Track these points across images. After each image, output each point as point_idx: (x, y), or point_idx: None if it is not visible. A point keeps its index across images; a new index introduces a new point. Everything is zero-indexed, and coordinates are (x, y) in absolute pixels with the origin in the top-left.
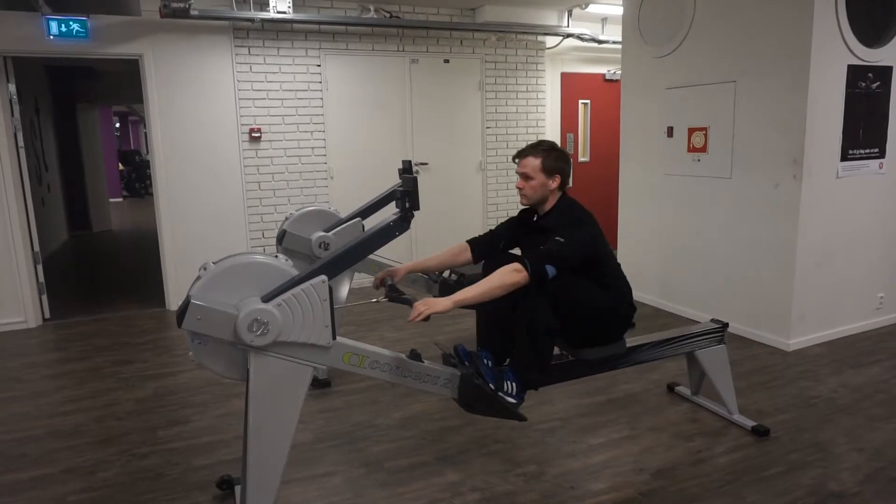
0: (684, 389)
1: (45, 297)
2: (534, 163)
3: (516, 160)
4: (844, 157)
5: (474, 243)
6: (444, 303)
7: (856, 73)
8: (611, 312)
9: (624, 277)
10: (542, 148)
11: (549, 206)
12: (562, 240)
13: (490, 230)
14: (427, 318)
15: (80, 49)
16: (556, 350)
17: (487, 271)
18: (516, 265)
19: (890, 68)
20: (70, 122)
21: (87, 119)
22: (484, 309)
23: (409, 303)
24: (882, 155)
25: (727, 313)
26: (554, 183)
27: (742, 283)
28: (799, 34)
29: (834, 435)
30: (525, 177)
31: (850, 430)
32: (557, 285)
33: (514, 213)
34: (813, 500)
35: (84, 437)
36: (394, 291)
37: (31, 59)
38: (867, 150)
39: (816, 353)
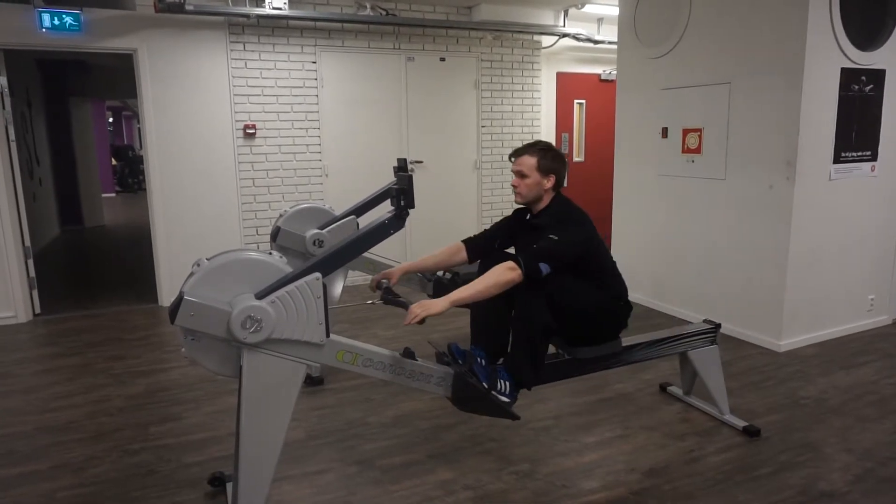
0: (676, 389)
1: (35, 292)
2: (529, 161)
3: (512, 158)
4: (837, 160)
5: (469, 243)
6: (439, 304)
7: (849, 76)
8: (606, 311)
9: (619, 276)
10: (538, 147)
11: (543, 205)
12: (555, 237)
13: (485, 230)
14: (422, 321)
15: (72, 43)
16: (552, 349)
17: (483, 270)
18: (510, 263)
19: (883, 71)
20: (62, 116)
21: (80, 113)
22: (478, 308)
23: (405, 305)
24: (874, 158)
25: (720, 314)
26: (549, 182)
27: (735, 284)
28: (793, 37)
29: (824, 435)
30: (520, 175)
31: (840, 430)
32: (553, 284)
33: (509, 212)
34: (803, 499)
35: (74, 433)
36: (389, 294)
37: (22, 51)
38: (859, 153)
39: (808, 354)
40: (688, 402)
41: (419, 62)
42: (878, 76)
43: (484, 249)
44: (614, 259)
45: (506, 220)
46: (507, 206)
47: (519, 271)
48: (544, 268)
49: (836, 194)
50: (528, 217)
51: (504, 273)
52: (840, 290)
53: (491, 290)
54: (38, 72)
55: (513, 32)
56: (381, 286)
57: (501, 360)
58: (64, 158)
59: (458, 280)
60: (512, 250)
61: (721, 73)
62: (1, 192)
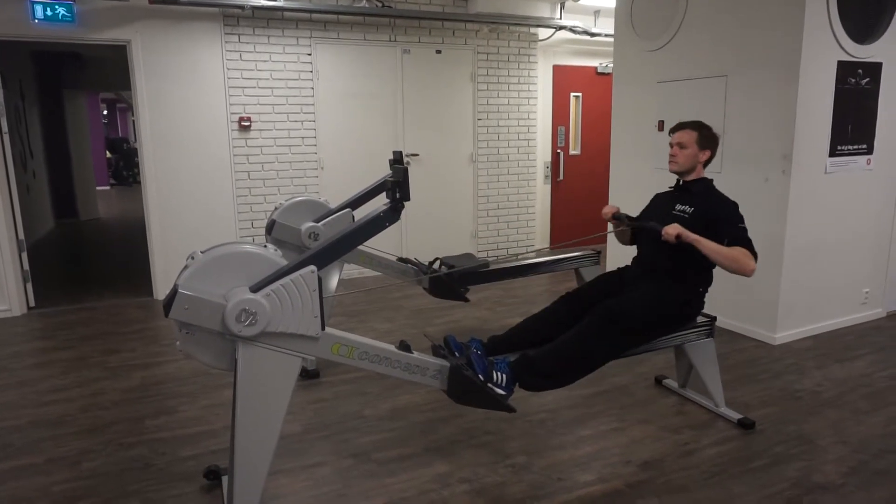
0: (672, 382)
1: (30, 286)
2: (691, 135)
3: (672, 132)
4: (833, 153)
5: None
6: (690, 235)
7: (845, 69)
8: (685, 300)
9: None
10: (699, 124)
11: (694, 176)
12: (744, 226)
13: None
14: (677, 239)
15: (66, 34)
16: None
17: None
18: (750, 255)
19: (879, 65)
20: (56, 108)
21: (74, 106)
22: (546, 314)
23: (657, 228)
24: (870, 151)
25: (715, 307)
26: (704, 156)
27: (730, 277)
28: (790, 30)
29: (819, 428)
30: (681, 145)
31: (834, 422)
32: (626, 308)
33: (506, 205)
34: (798, 491)
35: (69, 426)
36: (631, 219)
37: (15, 43)
38: (855, 147)
39: (802, 347)
40: (683, 394)
41: (415, 54)
42: (874, 69)
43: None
44: (608, 254)
45: (647, 207)
46: (503, 198)
47: (755, 265)
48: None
49: (832, 188)
50: (680, 183)
51: (748, 262)
52: (835, 283)
53: (724, 259)
54: (32, 64)
55: (509, 25)
56: (621, 216)
57: (517, 356)
58: (58, 151)
59: (455, 274)
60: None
61: (717, 67)
62: None
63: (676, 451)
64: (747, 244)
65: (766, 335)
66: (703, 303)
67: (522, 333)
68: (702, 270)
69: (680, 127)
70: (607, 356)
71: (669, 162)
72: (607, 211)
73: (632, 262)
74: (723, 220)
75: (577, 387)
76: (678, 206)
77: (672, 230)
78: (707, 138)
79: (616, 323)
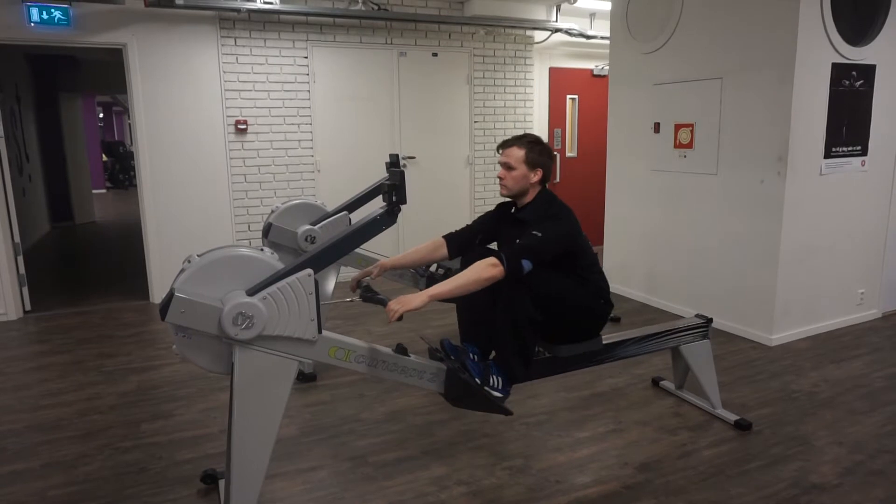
0: (669, 384)
1: (25, 290)
2: (517, 154)
3: (500, 150)
4: (828, 155)
5: (450, 238)
6: (417, 300)
7: (840, 72)
8: (588, 308)
9: (602, 273)
10: (526, 140)
11: (528, 199)
12: (539, 234)
13: (467, 225)
14: (401, 318)
15: (62, 37)
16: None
17: (465, 266)
18: (492, 260)
19: (873, 67)
20: (52, 111)
21: (70, 109)
22: (463, 304)
23: (384, 303)
24: (864, 153)
25: (711, 308)
26: (535, 176)
27: (726, 278)
28: (784, 32)
29: (815, 428)
30: (507, 167)
31: (831, 423)
32: (535, 280)
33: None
34: (794, 492)
35: (65, 430)
36: (368, 292)
37: (11, 46)
38: (850, 148)
39: (799, 348)
40: (680, 396)
41: (411, 57)
42: (868, 71)
43: (466, 245)
44: (605, 255)
45: (488, 216)
46: (499, 200)
47: (501, 268)
48: (526, 264)
49: (827, 189)
50: (512, 211)
51: (486, 269)
52: (831, 285)
53: (471, 286)
54: (28, 67)
55: (505, 27)
56: (361, 284)
57: (493, 355)
58: (54, 154)
59: (452, 275)
60: (494, 246)
61: (713, 69)
62: None
63: (674, 453)
64: (515, 249)
65: (762, 336)
66: (607, 315)
67: (474, 324)
68: (589, 274)
69: (506, 144)
70: (532, 311)
71: (500, 186)
72: (353, 279)
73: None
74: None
75: (574, 389)
76: (517, 240)
77: (397, 307)
78: (538, 154)
79: (533, 287)
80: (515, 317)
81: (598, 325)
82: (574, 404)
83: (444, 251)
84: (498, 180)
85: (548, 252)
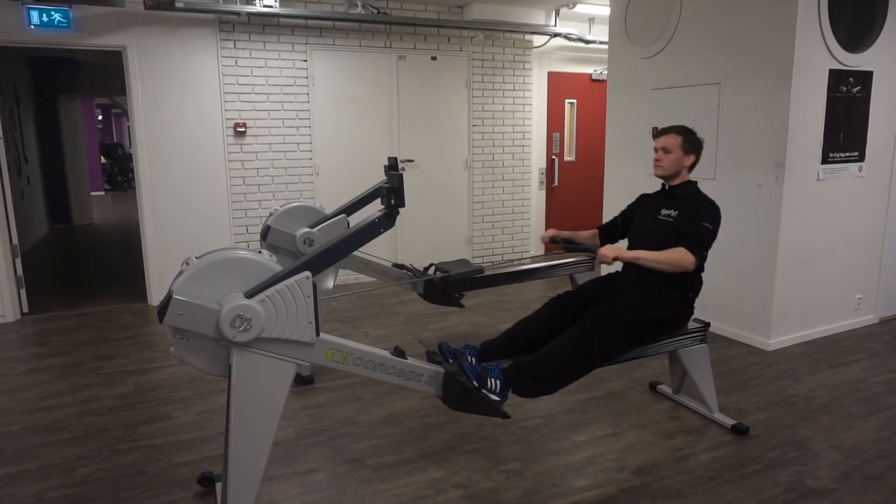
0: (666, 388)
1: (23, 291)
2: (675, 139)
3: (656, 137)
4: (825, 160)
5: (602, 229)
6: (627, 253)
7: (837, 78)
8: (676, 303)
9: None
10: (683, 128)
11: (680, 180)
12: (709, 226)
13: (614, 217)
14: (613, 262)
15: (61, 40)
16: None
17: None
18: (686, 251)
19: (870, 73)
20: (51, 113)
21: (69, 111)
22: (535, 317)
23: (593, 249)
24: (861, 158)
25: (709, 313)
26: (688, 161)
27: (724, 283)
28: (782, 39)
29: (812, 433)
30: (665, 150)
31: (827, 428)
32: (622, 309)
33: (501, 211)
34: (791, 496)
35: (63, 433)
36: (570, 243)
37: (10, 49)
38: (847, 154)
39: (796, 353)
40: (677, 400)
41: (410, 61)
42: (865, 78)
43: (611, 235)
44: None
45: (630, 206)
46: (497, 204)
47: (693, 259)
48: (705, 255)
49: (825, 194)
50: (665, 188)
51: (686, 257)
52: (828, 290)
53: (667, 265)
54: (27, 69)
55: (504, 32)
56: (558, 239)
57: (510, 363)
58: (53, 156)
59: (449, 280)
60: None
61: (711, 74)
62: None
63: (671, 457)
64: (693, 241)
65: (759, 341)
66: (693, 308)
67: (514, 338)
68: (689, 275)
69: (664, 131)
70: (600, 359)
71: (654, 166)
72: (545, 236)
73: (622, 268)
74: (693, 217)
75: (572, 392)
76: (664, 212)
77: (609, 252)
78: (691, 143)
79: (609, 326)
80: (582, 354)
81: (683, 321)
82: (571, 408)
83: (596, 240)
84: (654, 162)
85: (713, 242)
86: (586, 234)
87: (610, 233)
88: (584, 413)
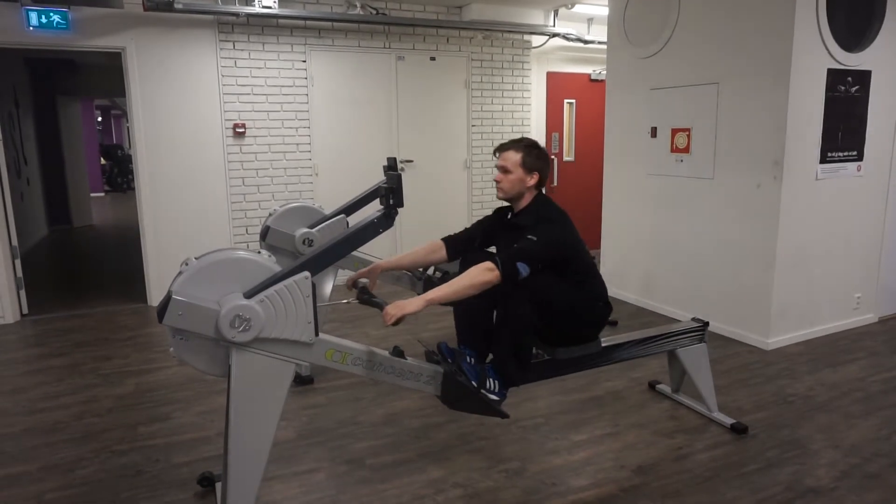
0: (665, 387)
1: (23, 292)
2: (514, 157)
3: (496, 154)
4: (824, 160)
5: (449, 241)
6: (414, 304)
7: (835, 77)
8: (585, 311)
9: (599, 276)
10: (523, 144)
11: (524, 203)
12: (534, 238)
13: (465, 228)
14: (398, 322)
15: (60, 41)
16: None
17: (465, 269)
18: (488, 264)
19: (869, 72)
20: (50, 115)
21: (68, 112)
22: (460, 307)
23: (380, 306)
24: (860, 158)
25: (708, 312)
26: (532, 180)
27: (723, 282)
28: (780, 38)
29: (811, 432)
30: (504, 170)
31: (826, 427)
32: (532, 285)
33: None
34: (790, 495)
35: (62, 433)
36: (365, 293)
37: (9, 50)
38: (845, 153)
39: (795, 352)
40: (676, 399)
41: (409, 61)
42: (863, 77)
43: (464, 248)
44: (602, 259)
45: (486, 220)
46: (497, 204)
47: (497, 272)
48: (523, 269)
49: (823, 194)
50: (508, 216)
51: (482, 274)
52: (827, 289)
53: (468, 290)
54: (26, 70)
55: (503, 32)
56: (358, 285)
57: (490, 358)
58: (52, 158)
59: (449, 278)
60: (492, 249)
61: (709, 74)
62: None
63: (670, 456)
64: (508, 254)
65: (758, 340)
66: (606, 316)
67: (470, 327)
68: (585, 279)
69: (503, 148)
70: (533, 315)
71: (496, 188)
72: (349, 279)
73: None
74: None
75: (571, 392)
76: (514, 245)
77: (393, 311)
78: (535, 158)
79: (533, 293)
80: (514, 321)
81: (596, 328)
82: (571, 407)
83: (442, 254)
84: (494, 184)
85: (543, 256)
86: (421, 252)
87: (460, 246)
88: (584, 412)
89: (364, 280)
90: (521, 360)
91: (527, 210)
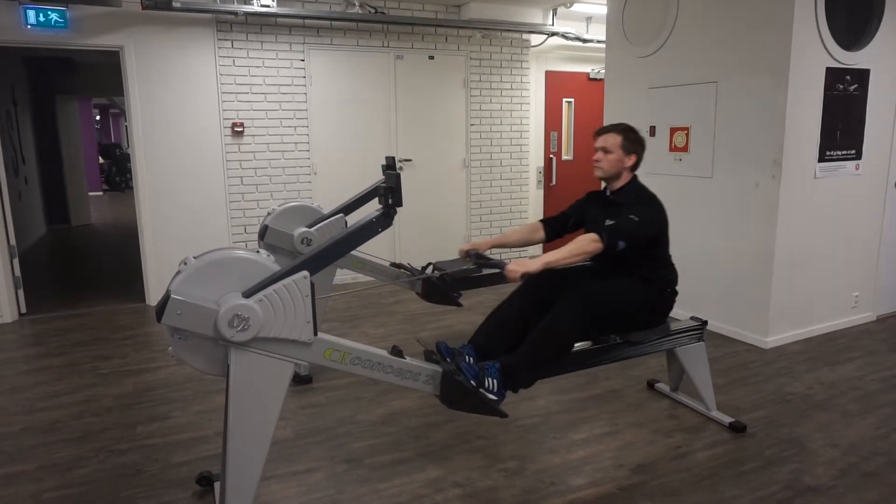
0: (664, 386)
1: (21, 292)
2: (615, 139)
3: (597, 135)
4: (822, 159)
5: (547, 222)
6: (535, 264)
7: (834, 76)
8: (656, 302)
9: (672, 264)
10: (622, 127)
11: (621, 182)
12: (636, 218)
13: (562, 211)
14: (522, 277)
15: (58, 40)
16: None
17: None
18: (594, 235)
19: (867, 71)
20: (48, 114)
21: (67, 111)
22: (501, 311)
23: (501, 266)
24: (858, 156)
25: (706, 311)
26: (629, 161)
27: (721, 281)
28: (779, 37)
29: (809, 431)
30: (604, 150)
31: (825, 425)
32: (598, 299)
33: (499, 210)
34: (789, 494)
35: (61, 433)
36: (482, 258)
37: (7, 49)
38: (844, 152)
39: (793, 351)
40: (675, 398)
41: (408, 60)
42: (862, 76)
43: (560, 227)
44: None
45: (578, 203)
46: (495, 204)
47: (600, 244)
48: (622, 244)
49: (821, 192)
50: (607, 193)
51: (588, 244)
52: (825, 287)
53: (576, 257)
54: (24, 69)
55: (501, 31)
56: (472, 254)
57: (499, 359)
58: (50, 157)
59: (447, 279)
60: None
61: (708, 73)
62: None
63: (669, 455)
64: (611, 228)
65: (757, 339)
66: (673, 301)
67: (499, 332)
68: (658, 268)
69: (604, 130)
70: (576, 337)
71: (594, 167)
72: (462, 250)
73: (593, 259)
74: (625, 209)
75: (570, 391)
76: (608, 222)
77: (517, 268)
78: (632, 142)
79: (589, 307)
80: (555, 337)
81: (664, 314)
82: (569, 406)
83: (541, 234)
84: (594, 164)
85: (642, 235)
86: (523, 232)
87: (557, 226)
88: (582, 411)
89: (484, 243)
90: (534, 374)
91: (625, 189)
